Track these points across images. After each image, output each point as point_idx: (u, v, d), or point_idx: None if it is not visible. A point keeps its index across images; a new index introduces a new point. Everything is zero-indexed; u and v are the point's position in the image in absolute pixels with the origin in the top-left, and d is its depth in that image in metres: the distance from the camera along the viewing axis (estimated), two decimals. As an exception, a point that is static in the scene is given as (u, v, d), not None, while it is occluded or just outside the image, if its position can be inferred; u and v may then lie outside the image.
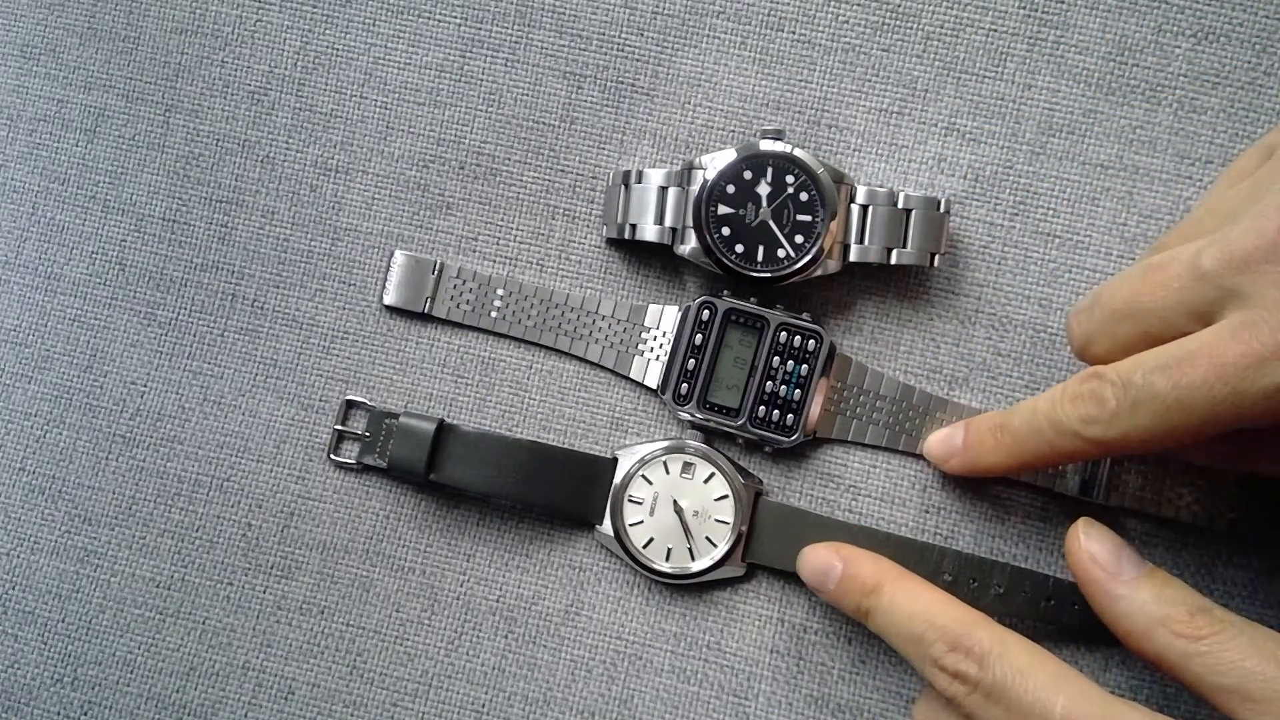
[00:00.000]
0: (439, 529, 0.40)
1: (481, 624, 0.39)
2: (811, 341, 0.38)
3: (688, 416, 0.39)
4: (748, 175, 0.37)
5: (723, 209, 0.37)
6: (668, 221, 0.38)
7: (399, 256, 0.40)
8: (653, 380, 0.39)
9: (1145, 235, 0.39)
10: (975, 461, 0.36)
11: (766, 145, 0.37)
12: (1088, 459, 0.37)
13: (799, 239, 0.37)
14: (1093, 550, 0.33)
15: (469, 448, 0.38)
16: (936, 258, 0.38)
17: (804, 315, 0.39)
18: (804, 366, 0.38)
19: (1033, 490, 0.39)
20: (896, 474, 0.39)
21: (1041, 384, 0.39)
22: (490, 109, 0.41)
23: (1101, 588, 0.32)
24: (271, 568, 0.40)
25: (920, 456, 0.39)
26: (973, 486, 0.39)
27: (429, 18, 0.42)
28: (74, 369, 0.41)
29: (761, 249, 0.37)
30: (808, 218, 0.37)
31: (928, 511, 0.39)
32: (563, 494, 0.38)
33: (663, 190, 0.38)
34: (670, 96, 0.41)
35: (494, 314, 0.40)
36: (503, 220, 0.41)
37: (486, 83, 0.41)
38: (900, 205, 0.38)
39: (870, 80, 0.40)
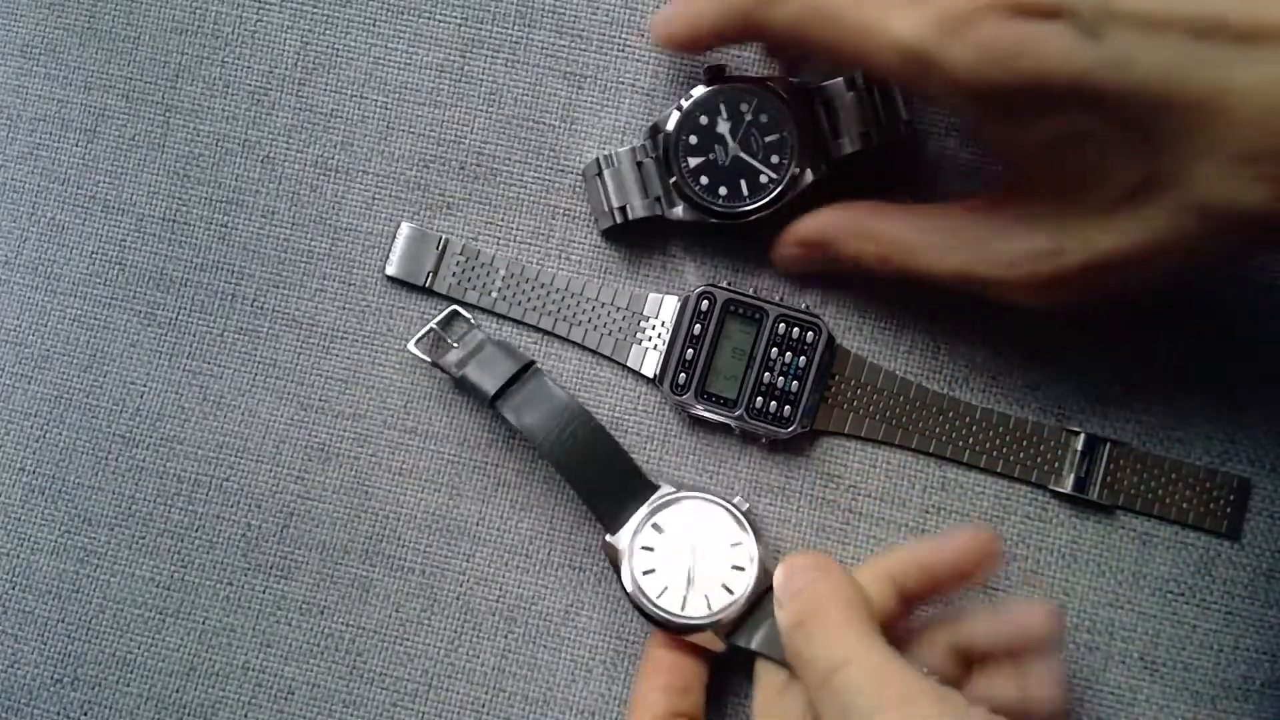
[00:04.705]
0: (439, 529, 0.40)
1: (481, 624, 0.39)
2: (810, 333, 0.38)
3: (686, 407, 0.39)
4: (704, 120, 0.37)
5: (693, 160, 0.37)
6: (653, 192, 0.38)
7: (404, 228, 0.41)
8: (650, 369, 0.39)
9: (1145, 235, 0.39)
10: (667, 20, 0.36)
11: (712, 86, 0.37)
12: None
13: (775, 159, 0.37)
14: None
15: (542, 397, 0.37)
16: (906, 124, 0.38)
17: (803, 305, 0.39)
18: (802, 359, 0.38)
19: (1033, 490, 0.39)
20: (896, 473, 0.39)
21: (1041, 384, 0.39)
22: (490, 109, 0.41)
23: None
24: (271, 568, 0.40)
25: (919, 453, 0.39)
26: (973, 487, 0.39)
27: (429, 18, 0.42)
28: (74, 369, 0.41)
29: (744, 183, 0.37)
30: (776, 135, 0.37)
31: (928, 511, 0.39)
32: (599, 488, 0.37)
33: (638, 165, 0.38)
34: (670, 97, 0.41)
35: (494, 294, 0.40)
36: (503, 220, 0.41)
37: (486, 83, 0.41)
38: (860, 84, 0.37)
39: (870, 80, 0.40)
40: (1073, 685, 0.38)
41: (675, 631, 0.36)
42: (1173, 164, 0.29)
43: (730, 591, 0.35)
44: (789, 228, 0.38)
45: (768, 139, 0.37)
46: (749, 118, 0.37)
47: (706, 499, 0.37)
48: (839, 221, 0.37)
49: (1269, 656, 0.38)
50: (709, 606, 0.35)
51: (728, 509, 0.37)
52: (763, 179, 0.37)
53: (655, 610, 0.36)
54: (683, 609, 0.36)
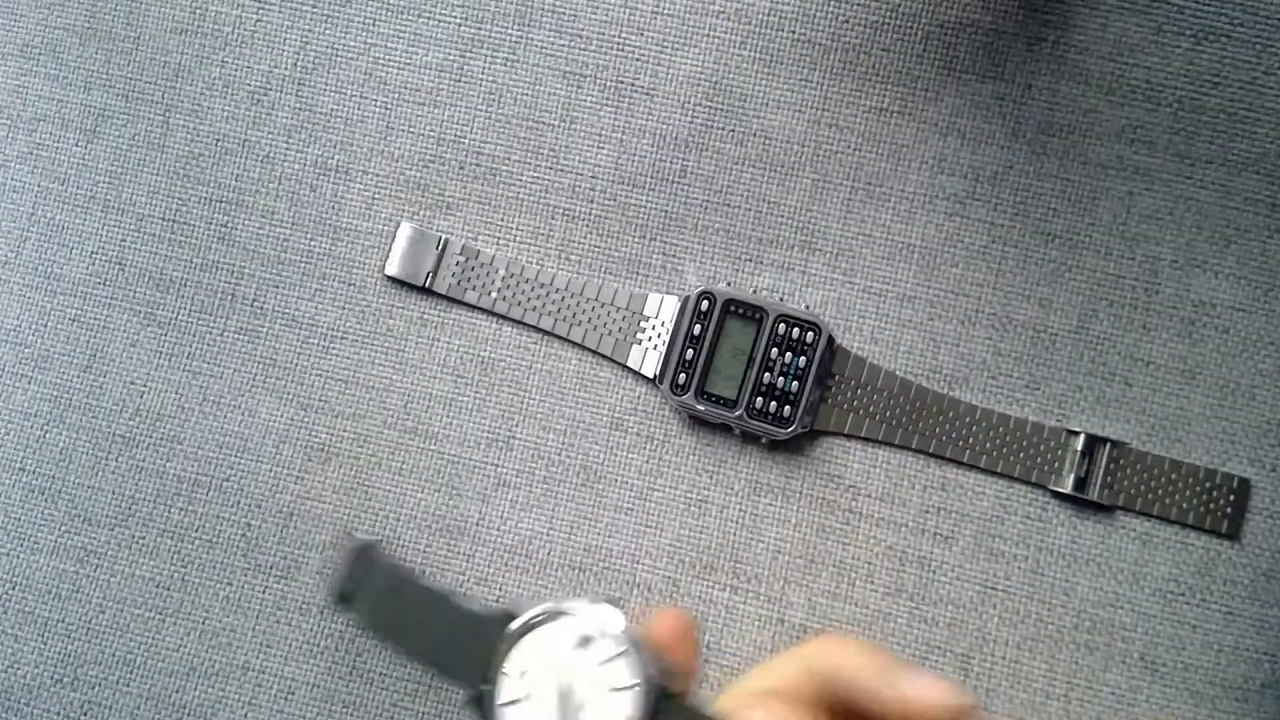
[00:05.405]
0: (439, 529, 0.40)
1: (481, 624, 0.39)
2: (810, 333, 0.38)
3: (686, 407, 0.39)
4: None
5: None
6: None
7: (404, 228, 0.41)
8: (650, 369, 0.39)
9: (1145, 235, 0.39)
10: None
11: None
12: None
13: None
14: None
15: (371, 572, 0.29)
16: None
17: (803, 305, 0.39)
18: (802, 359, 0.38)
19: (1033, 490, 0.39)
20: (897, 473, 0.39)
21: (1041, 384, 0.39)
22: (490, 109, 0.41)
23: None
24: (271, 568, 0.40)
25: (919, 453, 0.39)
26: (973, 487, 0.39)
27: (429, 18, 0.42)
28: (74, 369, 0.41)
29: None
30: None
31: (927, 511, 0.39)
32: (449, 654, 0.28)
33: None
34: (670, 96, 0.41)
35: (494, 294, 0.40)
36: (502, 221, 0.41)
37: (486, 83, 0.41)
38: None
39: (870, 80, 0.40)
40: (1072, 685, 0.38)
41: None
42: None
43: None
44: None
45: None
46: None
47: (554, 624, 0.28)
48: None
49: (1269, 656, 0.38)
50: None
51: (583, 630, 0.28)
52: None
53: None
54: None
